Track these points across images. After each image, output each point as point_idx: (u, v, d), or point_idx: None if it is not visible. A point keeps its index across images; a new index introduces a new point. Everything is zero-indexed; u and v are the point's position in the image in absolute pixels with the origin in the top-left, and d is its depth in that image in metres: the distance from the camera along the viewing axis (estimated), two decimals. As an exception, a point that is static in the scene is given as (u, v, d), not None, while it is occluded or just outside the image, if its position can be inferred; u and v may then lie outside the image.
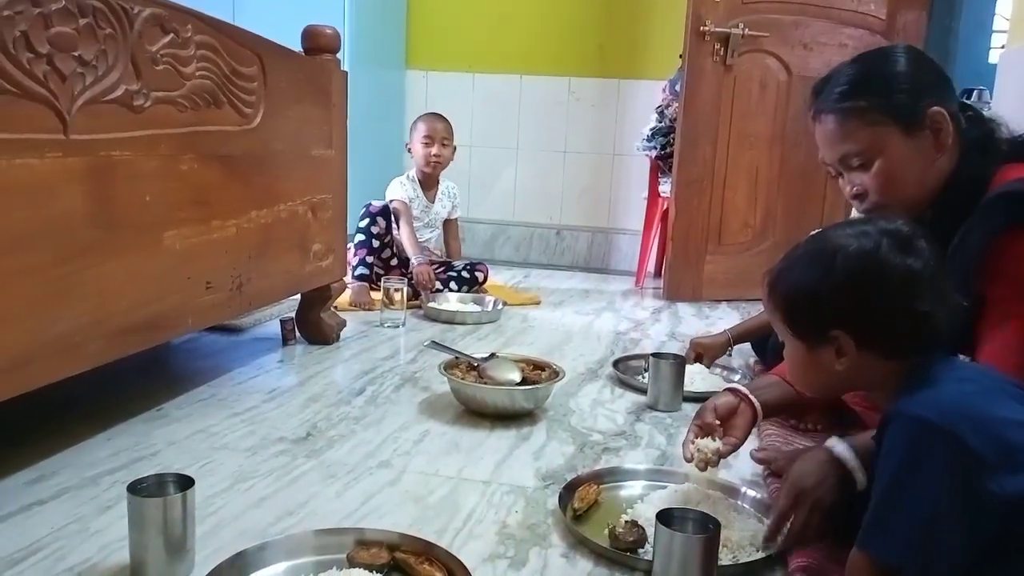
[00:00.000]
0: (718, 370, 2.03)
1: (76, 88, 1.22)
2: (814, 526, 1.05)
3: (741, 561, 1.10)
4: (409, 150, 2.92)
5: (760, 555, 1.10)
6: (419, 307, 2.59)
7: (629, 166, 3.69)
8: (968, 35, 4.31)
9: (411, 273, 2.75)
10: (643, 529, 1.14)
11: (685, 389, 1.79)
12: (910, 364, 0.96)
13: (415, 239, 2.79)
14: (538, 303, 2.90)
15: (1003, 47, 3.10)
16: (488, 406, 1.65)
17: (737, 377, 1.96)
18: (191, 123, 1.51)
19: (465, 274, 2.87)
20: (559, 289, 3.21)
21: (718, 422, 1.30)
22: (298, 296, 2.15)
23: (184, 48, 1.46)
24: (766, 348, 1.93)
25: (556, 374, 1.74)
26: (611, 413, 1.74)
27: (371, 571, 1.01)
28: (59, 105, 1.19)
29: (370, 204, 2.79)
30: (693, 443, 1.28)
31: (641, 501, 1.26)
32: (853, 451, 1.05)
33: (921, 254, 0.94)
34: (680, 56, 3.04)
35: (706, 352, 2.02)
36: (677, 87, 3.07)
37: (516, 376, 1.70)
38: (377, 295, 2.56)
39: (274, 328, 2.22)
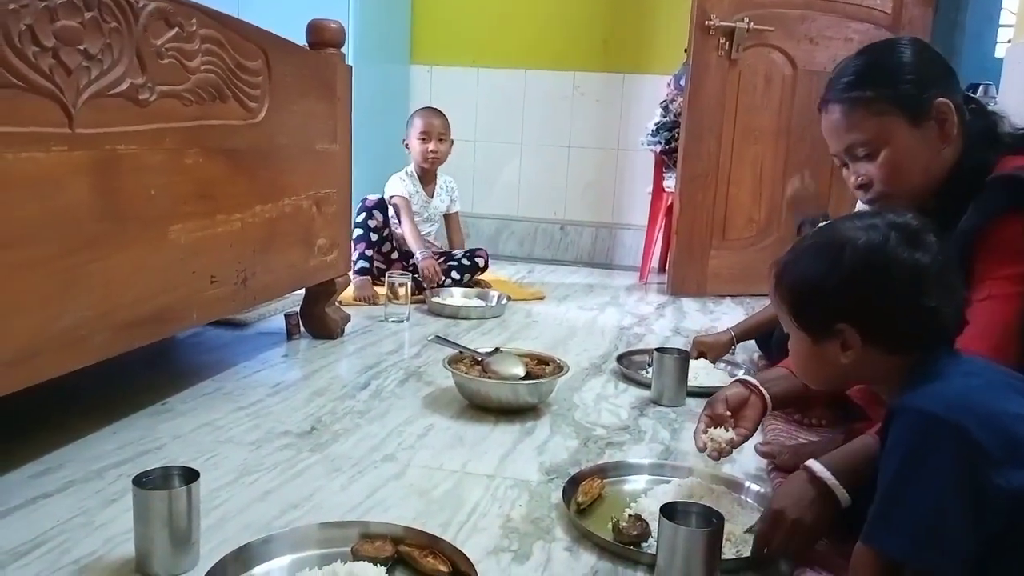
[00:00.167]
0: (722, 365, 2.03)
1: (81, 82, 1.22)
2: (794, 548, 1.06)
3: (744, 555, 1.10)
4: (406, 146, 2.92)
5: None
6: (423, 302, 2.59)
7: (633, 161, 3.68)
8: (975, 29, 4.29)
9: (413, 267, 2.76)
10: (647, 523, 1.14)
11: (689, 384, 1.79)
12: (915, 358, 0.95)
13: (418, 233, 2.80)
14: (542, 298, 2.90)
15: (1009, 41, 3.08)
16: (492, 400, 1.65)
17: (741, 372, 1.95)
18: (196, 117, 1.51)
19: (465, 261, 2.87)
20: (563, 284, 3.21)
21: (729, 413, 1.31)
22: (303, 291, 2.16)
23: (189, 42, 1.46)
24: (770, 343, 1.93)
25: (560, 369, 1.74)
26: (615, 408, 1.74)
27: (375, 564, 1.01)
28: (64, 99, 1.19)
29: (366, 199, 2.79)
30: (706, 433, 1.28)
31: (645, 495, 1.26)
32: (831, 469, 1.05)
33: (929, 248, 0.93)
34: (685, 51, 3.03)
35: (708, 351, 2.02)
36: (682, 82, 3.06)
37: (520, 371, 1.70)
38: (381, 289, 2.56)
39: (279, 323, 2.23)
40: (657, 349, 1.82)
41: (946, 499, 0.83)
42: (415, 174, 2.91)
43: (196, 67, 1.49)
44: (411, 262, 2.82)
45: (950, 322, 0.94)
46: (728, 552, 1.10)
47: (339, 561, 1.02)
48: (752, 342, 2.10)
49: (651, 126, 3.24)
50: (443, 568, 1.02)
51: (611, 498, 1.28)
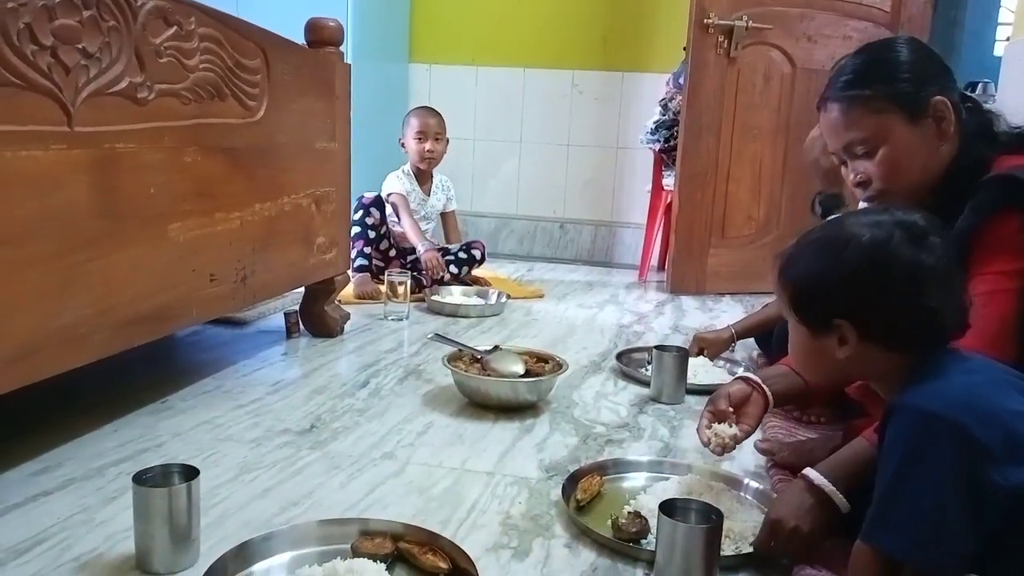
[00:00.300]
0: (721, 363, 2.03)
1: (80, 80, 1.22)
2: (793, 554, 1.07)
3: (744, 551, 1.10)
4: (403, 145, 2.92)
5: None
6: (422, 300, 2.60)
7: (633, 159, 3.68)
8: (974, 27, 4.29)
9: (411, 264, 2.76)
10: (646, 520, 1.15)
11: (688, 382, 1.79)
12: (915, 357, 0.95)
13: (418, 228, 2.80)
14: (541, 296, 2.90)
15: (1008, 39, 3.08)
16: (492, 398, 1.65)
17: (740, 369, 1.96)
18: (195, 115, 1.51)
19: (462, 254, 2.88)
20: (563, 282, 3.22)
21: (731, 409, 1.31)
22: (302, 289, 2.16)
23: (188, 40, 1.46)
24: (770, 341, 1.93)
25: (559, 366, 1.74)
26: (614, 405, 1.74)
27: (375, 561, 1.02)
28: (63, 97, 1.19)
29: (362, 196, 2.79)
30: (709, 428, 1.29)
31: (644, 492, 1.27)
32: (829, 476, 1.06)
33: (934, 249, 0.93)
34: (684, 49, 3.04)
35: (709, 348, 2.02)
36: (681, 80, 3.06)
37: (519, 368, 1.70)
38: (382, 286, 2.57)
39: (278, 321, 2.23)
40: (656, 347, 1.82)
41: (945, 497, 0.83)
42: (411, 173, 2.92)
43: (195, 66, 1.49)
44: (409, 260, 2.83)
45: (950, 324, 0.94)
46: (728, 549, 1.10)
47: (339, 558, 1.02)
48: (752, 340, 2.11)
49: (650, 124, 3.24)
50: (443, 565, 1.02)
51: (610, 495, 1.28)
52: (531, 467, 1.39)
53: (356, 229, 2.76)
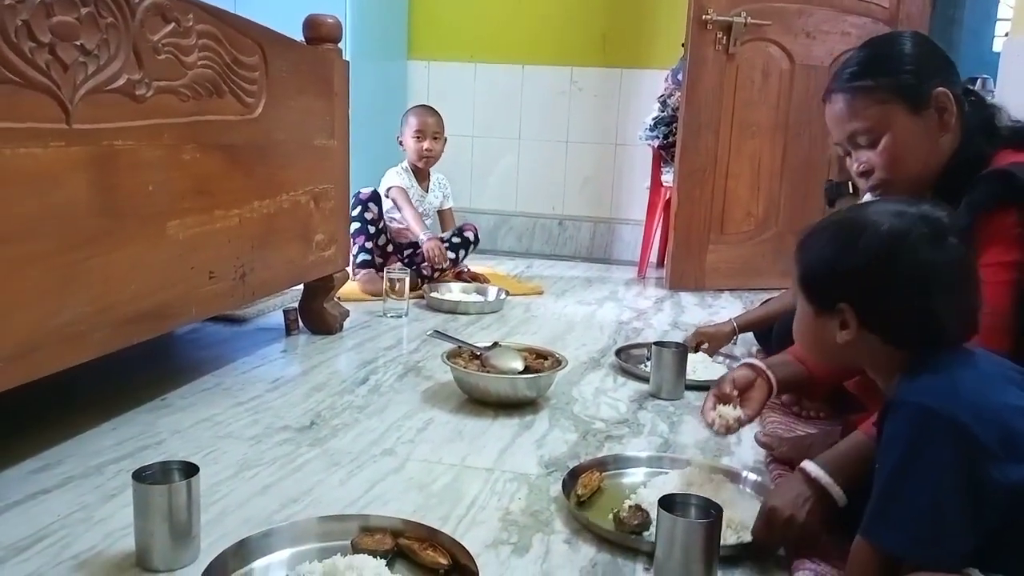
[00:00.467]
0: (720, 359, 2.03)
1: (78, 77, 1.22)
2: (790, 544, 1.08)
3: (745, 540, 1.10)
4: (401, 143, 2.92)
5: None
6: (422, 297, 2.60)
7: (632, 156, 3.68)
8: (972, 24, 4.29)
9: (409, 259, 2.76)
10: (647, 512, 1.15)
11: (687, 378, 1.79)
12: (914, 353, 0.94)
13: (420, 218, 2.80)
14: (541, 293, 2.90)
15: (1007, 35, 3.08)
16: (491, 395, 1.65)
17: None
18: (193, 112, 1.51)
19: (456, 239, 2.89)
20: (562, 279, 3.21)
21: (736, 392, 1.32)
22: (301, 286, 2.16)
23: (186, 37, 1.46)
24: (770, 338, 1.93)
25: (559, 363, 1.74)
26: (613, 401, 1.74)
27: (375, 557, 1.02)
28: (61, 94, 1.19)
29: (359, 192, 2.79)
30: (714, 410, 1.30)
31: (644, 486, 1.27)
32: (826, 469, 1.06)
33: (950, 251, 0.92)
34: (682, 45, 3.03)
35: (710, 341, 2.03)
36: (679, 76, 3.05)
37: (519, 365, 1.70)
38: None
39: (277, 318, 2.23)
40: (655, 343, 1.82)
41: (944, 494, 0.83)
42: (410, 169, 2.92)
43: (193, 62, 1.49)
44: (406, 255, 2.83)
45: (952, 329, 0.93)
46: (730, 539, 1.10)
47: (339, 554, 1.02)
48: (751, 336, 2.11)
49: (649, 121, 3.23)
50: (443, 561, 1.02)
51: (610, 490, 1.28)
52: (531, 463, 1.40)
53: (356, 225, 2.75)
